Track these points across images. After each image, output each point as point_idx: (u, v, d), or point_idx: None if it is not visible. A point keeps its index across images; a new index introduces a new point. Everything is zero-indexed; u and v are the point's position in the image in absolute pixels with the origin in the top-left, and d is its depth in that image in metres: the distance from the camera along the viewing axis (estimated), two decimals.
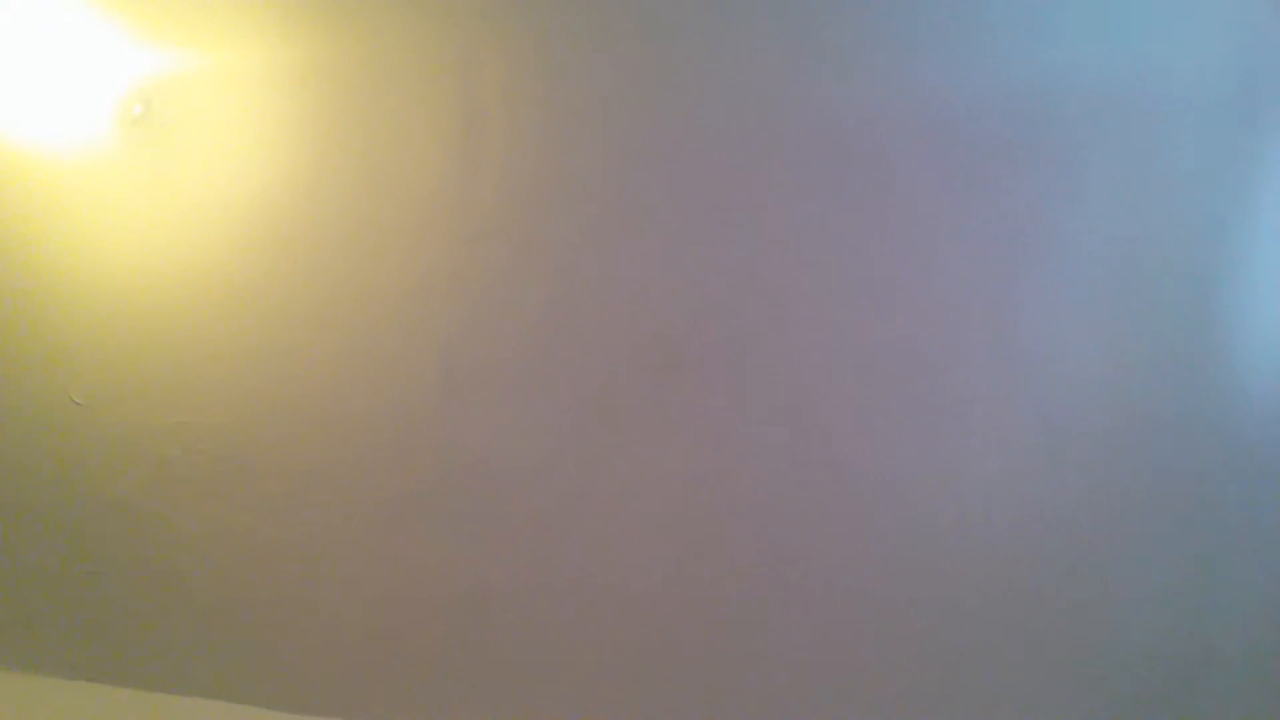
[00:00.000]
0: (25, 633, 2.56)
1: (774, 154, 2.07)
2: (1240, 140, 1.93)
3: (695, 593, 2.20)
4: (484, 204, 2.20)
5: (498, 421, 2.25)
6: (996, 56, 1.98)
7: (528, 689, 2.30)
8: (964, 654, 2.10)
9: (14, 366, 2.47)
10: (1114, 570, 2.04)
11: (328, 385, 2.32)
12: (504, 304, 2.22)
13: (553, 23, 2.12)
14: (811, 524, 2.14)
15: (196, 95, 2.30)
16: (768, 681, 2.19)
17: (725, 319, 2.12)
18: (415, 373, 2.27)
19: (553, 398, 2.22)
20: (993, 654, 2.09)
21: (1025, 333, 2.03)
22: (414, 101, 2.20)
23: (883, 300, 2.07)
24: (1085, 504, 2.04)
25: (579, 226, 2.17)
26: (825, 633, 2.15)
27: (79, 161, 2.37)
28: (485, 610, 2.31)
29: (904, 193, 2.04)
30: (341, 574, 2.36)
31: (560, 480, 2.24)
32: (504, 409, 2.24)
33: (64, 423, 2.46)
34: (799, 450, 2.12)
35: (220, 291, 2.34)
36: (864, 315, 2.07)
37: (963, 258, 2.03)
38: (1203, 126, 1.94)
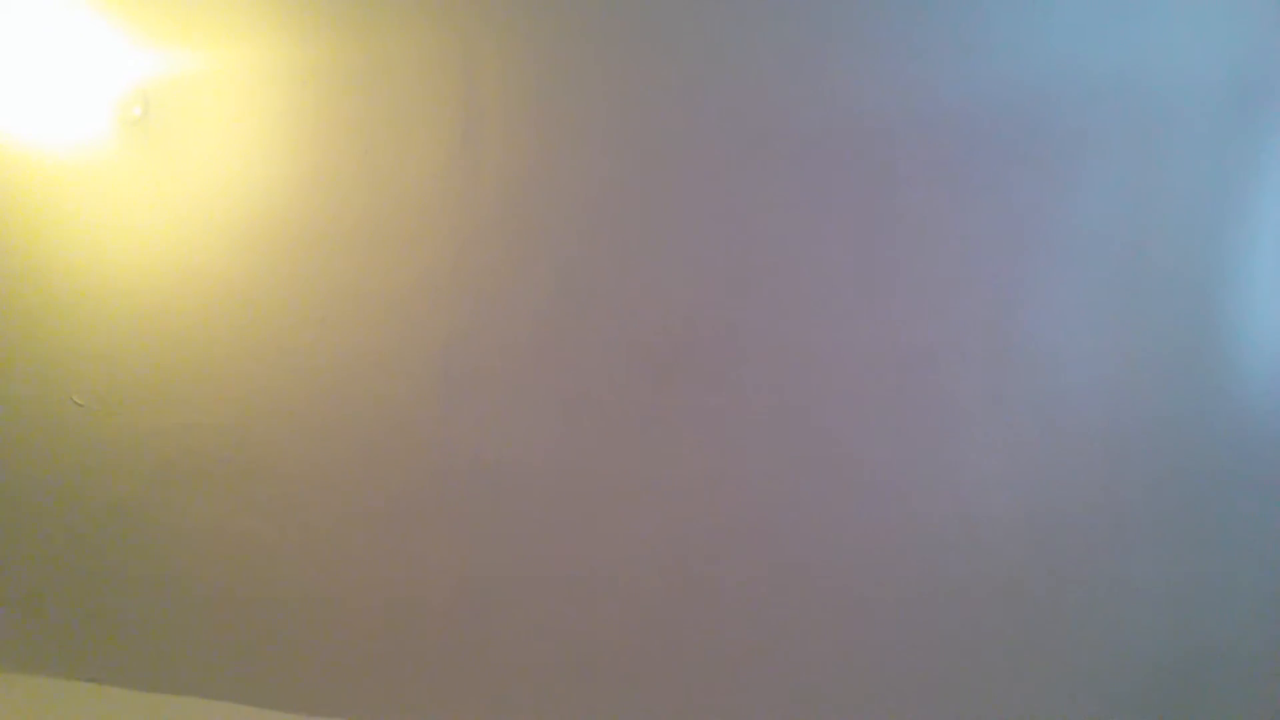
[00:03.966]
0: (25, 633, 2.56)
1: (773, 154, 2.07)
2: (1240, 140, 1.93)
3: (695, 592, 2.20)
4: (484, 204, 2.20)
5: (497, 421, 2.25)
6: (997, 57, 1.98)
7: (527, 688, 2.30)
8: (964, 652, 2.10)
9: (14, 367, 2.47)
10: (1114, 568, 2.04)
11: (328, 385, 2.32)
12: (503, 304, 2.22)
13: (553, 23, 2.12)
14: (812, 523, 2.13)
15: (196, 95, 2.29)
16: (768, 680, 2.19)
17: (725, 319, 2.12)
18: (415, 373, 2.27)
19: (552, 397, 2.22)
20: (993, 652, 2.09)
21: (1026, 332, 2.03)
22: (414, 101, 2.20)
23: (883, 300, 2.07)
24: (1086, 503, 2.04)
25: (578, 227, 2.17)
26: (826, 631, 2.15)
27: (79, 162, 2.37)
28: (485, 610, 2.31)
29: (904, 193, 2.04)
30: (341, 574, 2.36)
31: (560, 480, 2.24)
32: (504, 409, 2.24)
33: (65, 423, 2.46)
34: (799, 449, 2.12)
35: (220, 292, 2.34)
36: (864, 315, 2.07)
37: (963, 258, 2.03)
38: (1203, 126, 1.94)
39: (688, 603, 2.21)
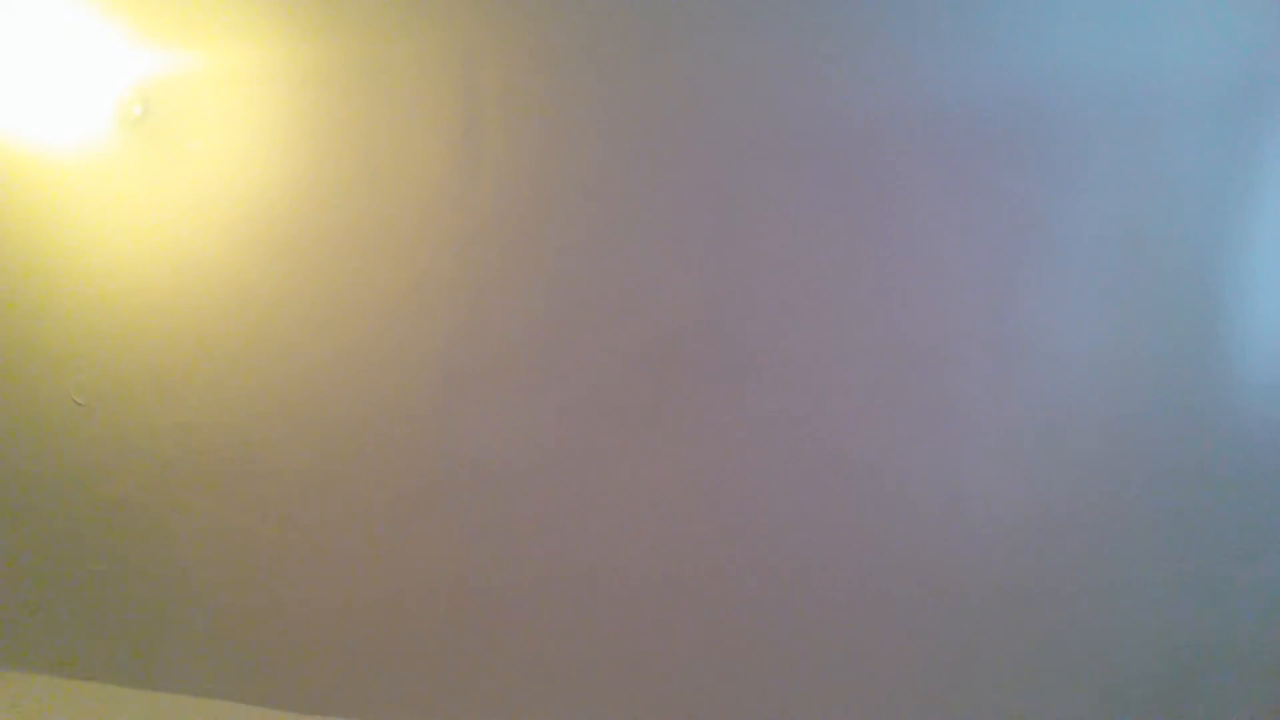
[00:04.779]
0: (25, 633, 2.56)
1: (774, 153, 2.07)
2: (1241, 139, 1.93)
3: (696, 591, 2.20)
4: (484, 204, 2.20)
5: (498, 421, 2.25)
6: (998, 57, 1.98)
7: (527, 688, 2.30)
8: (963, 651, 2.10)
9: (14, 366, 2.48)
10: (1114, 567, 2.04)
11: (328, 385, 2.32)
12: (504, 304, 2.22)
13: (553, 23, 2.12)
14: (812, 522, 2.14)
15: (196, 95, 2.30)
16: (767, 680, 2.19)
17: (725, 319, 2.12)
18: (415, 373, 2.27)
19: (552, 398, 2.22)
20: (992, 651, 2.09)
21: (1026, 332, 2.03)
22: (414, 101, 2.20)
23: (883, 300, 2.07)
24: (1086, 502, 2.04)
25: (578, 227, 2.17)
26: (827, 631, 2.15)
27: (79, 161, 2.37)
28: (485, 610, 2.31)
29: (905, 193, 2.04)
30: (341, 574, 2.36)
31: (560, 480, 2.24)
32: (504, 409, 2.24)
33: (65, 423, 2.46)
34: (799, 448, 2.12)
35: (220, 292, 2.34)
36: (865, 315, 2.07)
37: (963, 257, 2.03)
38: (1203, 125, 1.94)
39: (686, 602, 2.21)
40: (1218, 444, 1.99)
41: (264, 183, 2.29)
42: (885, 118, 2.02)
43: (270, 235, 2.30)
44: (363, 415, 2.31)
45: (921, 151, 2.02)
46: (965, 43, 1.98)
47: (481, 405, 2.25)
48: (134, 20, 2.29)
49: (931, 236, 2.04)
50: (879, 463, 2.10)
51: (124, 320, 2.40)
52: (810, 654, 2.16)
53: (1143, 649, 2.04)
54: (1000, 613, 2.09)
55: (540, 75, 2.14)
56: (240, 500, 2.40)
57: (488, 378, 2.24)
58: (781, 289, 2.10)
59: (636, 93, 2.11)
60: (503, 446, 2.25)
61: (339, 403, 2.31)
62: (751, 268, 2.10)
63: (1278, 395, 1.97)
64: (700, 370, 2.14)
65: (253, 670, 2.44)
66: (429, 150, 2.20)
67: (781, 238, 2.09)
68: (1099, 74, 1.95)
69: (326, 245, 2.28)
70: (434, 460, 2.29)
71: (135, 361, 2.41)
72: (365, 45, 2.20)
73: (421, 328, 2.26)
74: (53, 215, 2.41)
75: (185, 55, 2.29)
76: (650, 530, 2.20)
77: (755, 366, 2.12)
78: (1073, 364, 2.02)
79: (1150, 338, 1.99)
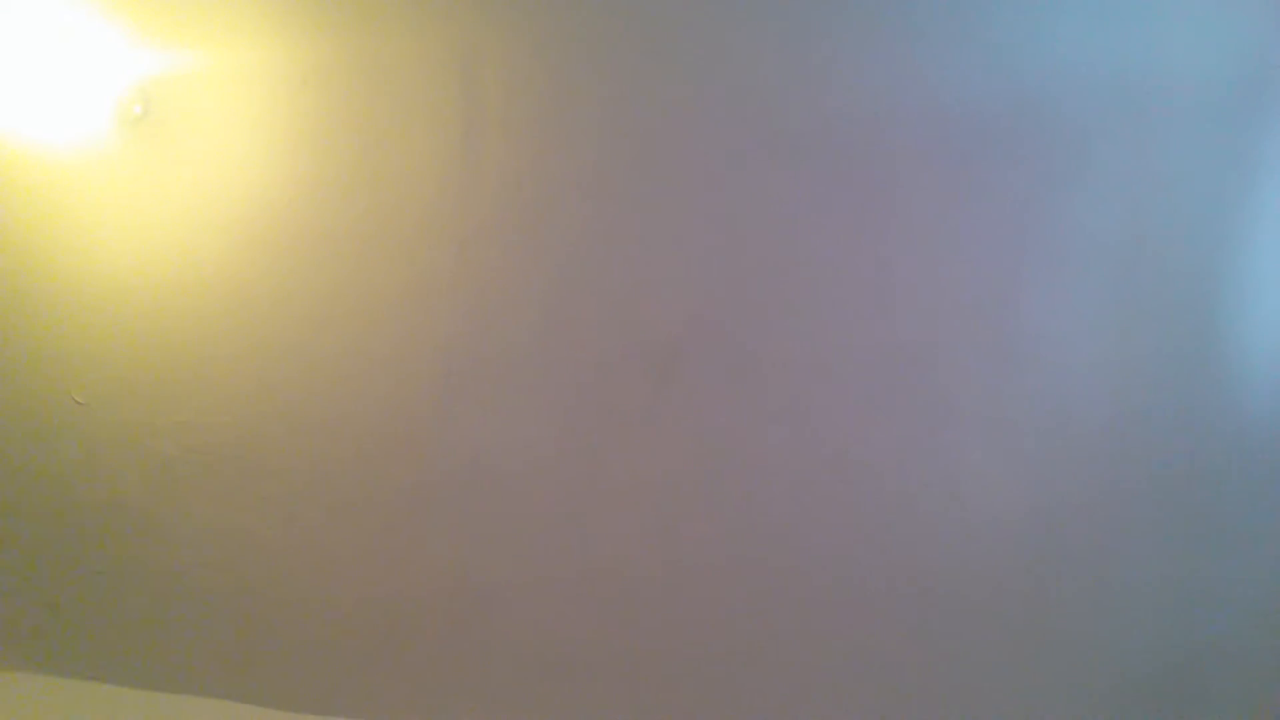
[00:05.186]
0: (26, 633, 2.56)
1: (775, 153, 2.07)
2: (1240, 139, 1.93)
3: (695, 591, 2.20)
4: (484, 204, 2.20)
5: (497, 421, 2.25)
6: (998, 55, 1.98)
7: (527, 688, 2.30)
8: (963, 651, 2.10)
9: (14, 366, 2.48)
10: (1114, 568, 2.04)
11: (328, 385, 2.32)
12: (504, 304, 2.22)
13: (553, 22, 2.12)
14: (813, 523, 2.14)
15: (196, 95, 2.30)
16: (768, 680, 2.19)
17: (725, 318, 2.12)
18: (415, 373, 2.27)
19: (553, 397, 2.22)
20: (992, 651, 2.09)
21: (1025, 332, 2.03)
22: (414, 101, 2.20)
23: (884, 299, 2.07)
24: (1086, 502, 2.04)
25: (579, 226, 2.17)
26: (827, 631, 2.15)
27: (79, 161, 2.37)
28: (485, 610, 2.31)
29: (905, 191, 2.04)
30: (341, 573, 2.36)
31: (560, 479, 2.24)
32: (504, 408, 2.24)
33: (65, 422, 2.46)
34: (800, 449, 2.13)
35: (220, 291, 2.34)
36: (865, 314, 2.07)
37: (964, 257, 2.03)
38: (1204, 125, 1.94)
39: (686, 602, 2.21)
40: (1218, 444, 1.99)
41: (264, 183, 2.29)
42: (885, 117, 2.02)
43: (270, 235, 2.30)
44: (363, 414, 2.31)
45: (921, 151, 2.02)
46: (965, 42, 1.98)
47: (481, 405, 2.25)
48: (134, 20, 2.29)
49: (931, 236, 2.04)
50: (879, 462, 2.10)
51: (124, 320, 2.40)
52: (810, 654, 2.16)
53: (1142, 649, 2.05)
54: (1000, 612, 2.09)
55: (540, 75, 2.14)
56: (240, 500, 2.40)
57: (488, 377, 2.24)
58: (781, 289, 2.10)
59: (637, 93, 2.11)
60: (503, 446, 2.25)
61: (339, 402, 2.31)
62: (751, 267, 2.10)
63: (1278, 395, 1.97)
64: (700, 370, 2.14)
65: (253, 670, 2.44)
66: (429, 150, 2.20)
67: (781, 237, 2.09)
68: (1099, 73, 1.95)
69: (326, 245, 2.28)
70: (434, 459, 2.29)
71: (135, 360, 2.40)
72: (365, 45, 2.20)
73: (421, 327, 2.26)
74: (53, 215, 2.40)
75: (185, 55, 2.29)
76: (650, 530, 2.20)
77: (755, 366, 2.12)
78: (1073, 364, 2.02)
79: (1150, 338, 1.99)
